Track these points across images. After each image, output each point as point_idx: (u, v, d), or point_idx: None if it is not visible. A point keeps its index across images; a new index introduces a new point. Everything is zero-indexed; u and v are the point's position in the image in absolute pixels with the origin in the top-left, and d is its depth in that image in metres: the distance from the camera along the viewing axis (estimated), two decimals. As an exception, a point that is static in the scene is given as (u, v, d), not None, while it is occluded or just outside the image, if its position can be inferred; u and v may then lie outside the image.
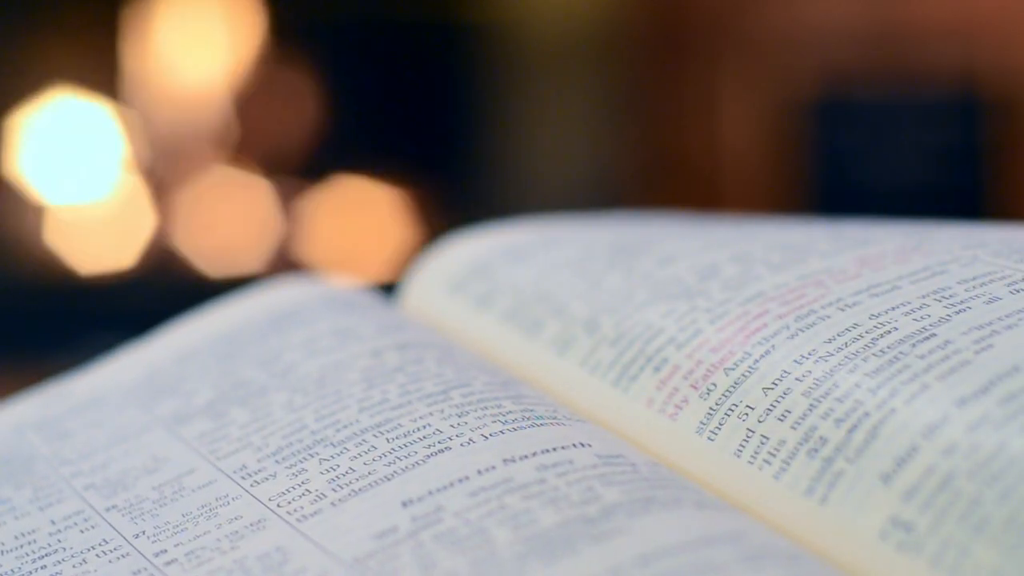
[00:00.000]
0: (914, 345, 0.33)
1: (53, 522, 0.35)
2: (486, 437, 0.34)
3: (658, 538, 0.29)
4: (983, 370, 0.32)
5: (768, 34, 1.72)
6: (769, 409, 0.34)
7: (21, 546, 0.35)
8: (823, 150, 1.71)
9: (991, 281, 0.35)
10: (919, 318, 0.34)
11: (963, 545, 0.28)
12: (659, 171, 1.78)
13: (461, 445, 0.34)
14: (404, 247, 1.69)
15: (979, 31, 1.66)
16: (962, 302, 0.35)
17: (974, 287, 0.35)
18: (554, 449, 0.33)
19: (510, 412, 0.35)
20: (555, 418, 0.35)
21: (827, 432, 0.32)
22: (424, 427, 0.35)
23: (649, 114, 1.77)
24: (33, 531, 0.35)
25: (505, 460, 0.33)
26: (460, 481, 0.32)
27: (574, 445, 0.33)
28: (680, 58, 1.75)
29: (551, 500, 0.31)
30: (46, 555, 0.34)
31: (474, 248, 0.46)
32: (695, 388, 0.35)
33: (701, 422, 0.35)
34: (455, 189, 1.76)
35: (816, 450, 0.32)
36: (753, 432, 0.33)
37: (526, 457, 0.33)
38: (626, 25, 1.74)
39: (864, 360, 0.33)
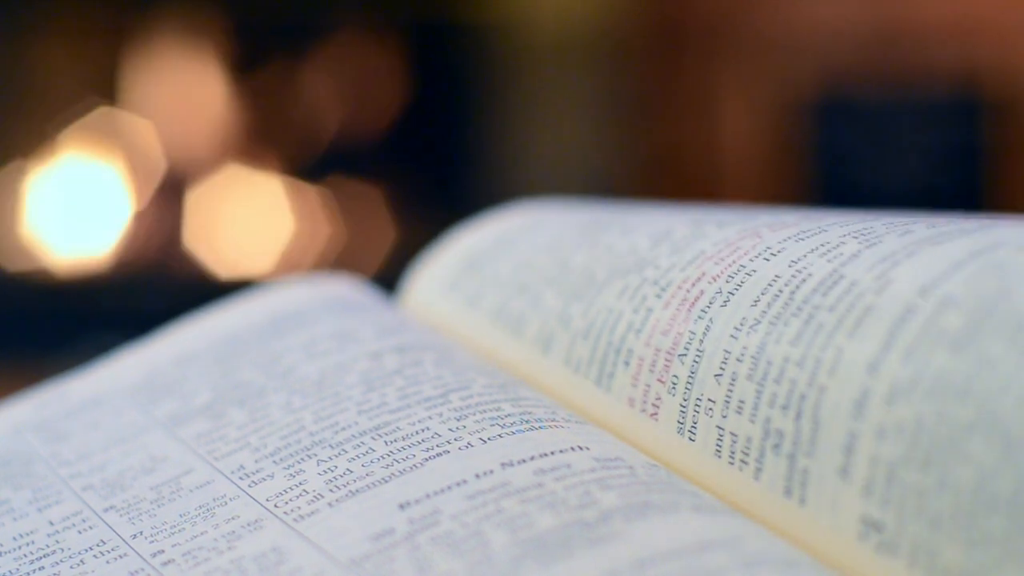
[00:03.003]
0: (824, 294, 0.32)
1: (51, 523, 0.35)
2: (484, 441, 0.34)
3: (655, 543, 0.29)
4: (884, 315, 0.30)
5: (768, 34, 1.72)
6: (726, 400, 0.33)
7: (20, 547, 0.35)
8: (823, 150, 1.71)
9: (915, 224, 0.34)
10: (832, 258, 0.33)
11: (929, 544, 0.27)
12: (659, 171, 1.78)
13: (459, 448, 0.34)
14: (404, 247, 1.69)
15: (979, 31, 1.66)
16: (877, 237, 0.33)
17: (896, 227, 0.34)
18: (552, 453, 0.33)
19: (509, 415, 0.35)
20: (554, 420, 0.35)
21: (780, 423, 0.31)
22: (422, 430, 0.35)
23: (649, 114, 1.77)
24: (32, 532, 0.35)
25: (503, 464, 0.33)
26: (458, 484, 0.32)
27: (572, 449, 0.33)
28: (680, 58, 1.75)
29: (548, 504, 0.31)
30: (44, 556, 0.34)
31: (467, 242, 0.46)
32: (662, 382, 0.35)
33: (678, 421, 0.34)
34: (455, 189, 1.76)
35: (778, 445, 0.31)
36: (723, 429, 0.32)
37: (524, 461, 0.33)
38: (626, 25, 1.74)
39: (785, 324, 0.32)
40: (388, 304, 0.45)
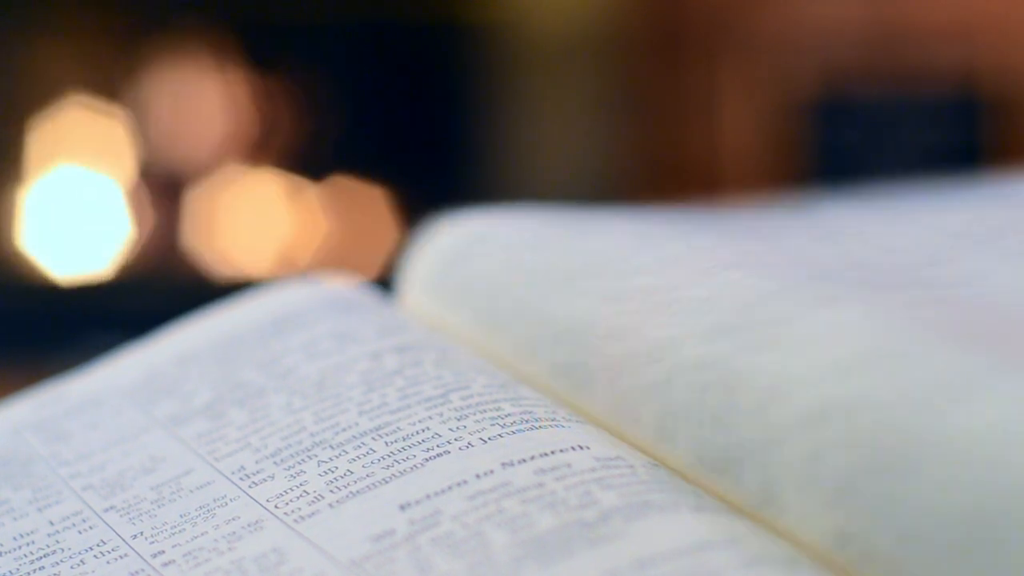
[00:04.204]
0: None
1: (51, 523, 0.35)
2: (485, 441, 0.34)
3: (655, 543, 0.29)
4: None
5: (768, 34, 1.72)
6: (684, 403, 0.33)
7: (19, 547, 0.35)
8: (823, 150, 1.71)
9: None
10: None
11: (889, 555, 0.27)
12: (659, 171, 1.78)
13: (460, 449, 0.34)
14: (403, 247, 1.69)
15: (979, 31, 1.67)
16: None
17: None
18: (552, 452, 0.33)
19: (509, 415, 0.35)
20: (554, 419, 0.35)
21: (748, 432, 0.31)
22: (423, 431, 0.35)
23: (649, 114, 1.77)
24: (31, 532, 0.35)
25: (503, 464, 0.33)
26: (458, 484, 0.32)
27: (572, 448, 0.33)
28: (680, 58, 1.75)
29: (549, 504, 0.31)
30: (44, 556, 0.34)
31: (450, 240, 0.46)
32: (636, 390, 0.34)
33: (655, 428, 0.34)
34: (456, 189, 1.76)
35: (742, 459, 0.31)
36: (686, 434, 0.33)
37: (524, 461, 0.33)
38: (626, 25, 1.74)
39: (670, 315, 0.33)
40: (387, 304, 0.45)
